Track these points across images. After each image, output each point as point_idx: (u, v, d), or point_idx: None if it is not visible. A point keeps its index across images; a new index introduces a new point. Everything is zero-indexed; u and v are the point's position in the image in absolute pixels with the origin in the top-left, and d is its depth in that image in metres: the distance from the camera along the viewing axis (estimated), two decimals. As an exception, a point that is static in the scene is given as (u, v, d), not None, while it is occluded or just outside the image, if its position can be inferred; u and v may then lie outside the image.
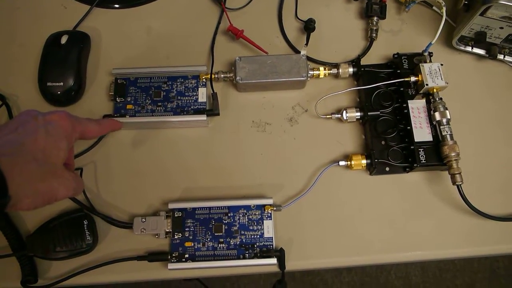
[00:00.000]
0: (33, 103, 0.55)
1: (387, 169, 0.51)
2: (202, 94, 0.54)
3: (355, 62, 0.55)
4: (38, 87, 0.54)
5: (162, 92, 0.54)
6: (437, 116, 0.49)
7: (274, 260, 0.47)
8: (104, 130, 0.47)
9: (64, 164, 0.39)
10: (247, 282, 1.28)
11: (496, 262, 1.33)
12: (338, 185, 0.52)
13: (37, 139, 0.36)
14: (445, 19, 0.53)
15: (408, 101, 0.51)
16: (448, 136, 0.49)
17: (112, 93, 0.54)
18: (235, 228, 0.48)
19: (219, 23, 0.59)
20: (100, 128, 0.46)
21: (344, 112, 0.53)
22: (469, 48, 0.57)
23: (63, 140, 0.38)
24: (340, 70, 0.55)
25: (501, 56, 0.56)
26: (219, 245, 0.48)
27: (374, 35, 0.58)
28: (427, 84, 0.50)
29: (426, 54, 0.53)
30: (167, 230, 0.48)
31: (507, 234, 0.50)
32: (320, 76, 0.55)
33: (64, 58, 0.54)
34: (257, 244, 0.48)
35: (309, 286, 1.28)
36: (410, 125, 0.50)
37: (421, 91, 0.51)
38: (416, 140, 0.49)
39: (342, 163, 0.51)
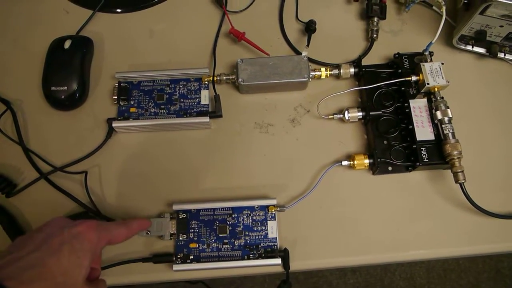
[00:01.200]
0: (37, 108, 0.55)
1: (390, 168, 0.52)
2: (205, 97, 0.54)
3: (356, 63, 0.55)
4: (42, 91, 0.55)
5: (165, 95, 0.54)
6: (439, 114, 0.50)
7: (278, 261, 0.47)
8: (132, 233, 0.45)
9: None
10: (252, 285, 1.27)
11: (501, 262, 1.33)
12: (341, 185, 0.52)
13: (60, 258, 0.36)
14: (445, 18, 0.53)
15: (410, 100, 0.52)
16: (450, 135, 0.49)
17: (116, 97, 0.54)
18: (239, 229, 0.48)
19: (220, 25, 0.60)
20: (128, 232, 0.44)
21: (346, 112, 0.53)
22: (469, 47, 0.57)
23: (87, 256, 0.38)
24: (342, 71, 0.55)
25: (501, 55, 0.56)
26: (224, 246, 0.48)
27: (374, 35, 0.58)
28: (428, 83, 0.50)
29: (426, 53, 0.53)
30: (172, 232, 0.48)
31: (510, 232, 0.50)
32: (322, 77, 0.55)
33: (68, 63, 0.55)
34: (261, 244, 0.48)
35: (313, 288, 1.28)
36: (412, 124, 0.50)
37: (422, 90, 0.51)
38: (418, 139, 0.50)
39: (344, 163, 0.51)
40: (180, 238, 0.48)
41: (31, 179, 0.51)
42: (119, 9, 0.62)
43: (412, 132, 0.50)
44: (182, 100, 0.54)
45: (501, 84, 0.57)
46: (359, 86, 0.55)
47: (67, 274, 0.36)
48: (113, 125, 0.52)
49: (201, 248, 0.48)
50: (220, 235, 0.48)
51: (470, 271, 1.31)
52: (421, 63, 0.51)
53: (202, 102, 0.54)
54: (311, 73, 0.54)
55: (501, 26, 0.52)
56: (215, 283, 1.08)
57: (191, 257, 0.47)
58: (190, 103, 0.54)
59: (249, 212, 0.49)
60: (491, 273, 1.31)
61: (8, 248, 0.37)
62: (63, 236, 0.37)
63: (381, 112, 0.52)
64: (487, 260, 1.33)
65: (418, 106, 0.51)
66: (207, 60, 0.58)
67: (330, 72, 0.55)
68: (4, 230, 0.49)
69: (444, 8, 0.53)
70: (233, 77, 0.54)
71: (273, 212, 0.49)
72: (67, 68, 0.55)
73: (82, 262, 0.37)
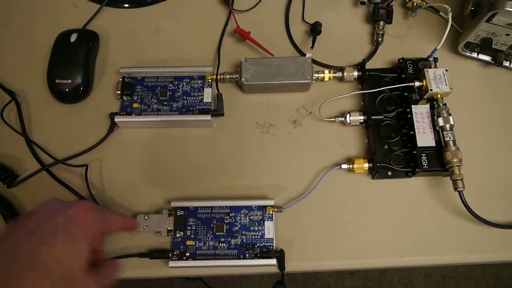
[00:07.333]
0: (41, 100, 0.56)
1: (389, 173, 0.51)
2: (208, 95, 0.54)
3: (360, 66, 0.55)
4: (47, 83, 0.55)
5: (168, 91, 0.54)
6: (441, 121, 0.49)
7: (273, 261, 0.47)
8: (126, 225, 0.45)
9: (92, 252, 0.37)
10: (250, 283, 1.28)
11: (501, 271, 1.32)
12: (340, 188, 0.52)
13: (54, 246, 0.33)
14: (451, 24, 0.53)
15: (412, 106, 0.51)
16: (451, 142, 0.49)
17: (119, 92, 0.54)
18: (236, 228, 0.49)
19: (226, 24, 0.60)
20: (123, 222, 0.44)
21: (348, 115, 0.53)
22: (474, 54, 0.57)
23: (83, 240, 0.35)
24: (345, 74, 0.55)
25: (506, 63, 0.56)
26: (220, 245, 0.48)
27: (380, 39, 0.58)
28: (431, 90, 0.50)
29: (431, 59, 0.53)
30: (169, 228, 0.48)
31: (508, 241, 0.49)
32: (325, 79, 0.55)
33: (73, 56, 0.55)
34: (258, 244, 0.48)
35: (311, 289, 1.28)
36: (414, 130, 0.50)
37: (425, 96, 0.51)
38: (419, 145, 0.50)
39: (344, 166, 0.51)
40: (177, 235, 0.48)
41: (33, 170, 0.52)
42: (127, 4, 0.62)
43: (413, 138, 0.50)
44: (184, 98, 0.54)
45: (505, 93, 0.56)
46: (362, 90, 0.55)
47: (63, 262, 0.33)
48: (116, 120, 0.53)
49: (197, 246, 0.48)
50: (217, 233, 0.48)
51: (469, 279, 1.30)
52: (425, 69, 0.51)
53: (205, 100, 0.54)
54: (315, 75, 0.54)
55: (507, 35, 0.52)
56: (213, 281, 1.08)
57: (187, 254, 0.48)
58: (193, 101, 0.54)
59: (246, 211, 0.49)
60: (490, 281, 1.31)
61: None
62: (57, 220, 0.35)
63: (383, 116, 0.52)
64: (486, 268, 1.32)
65: (420, 112, 0.51)
66: (212, 58, 0.58)
67: (334, 75, 0.55)
68: (4, 221, 0.49)
69: (450, 15, 0.52)
70: (237, 76, 0.54)
71: (271, 213, 0.49)
72: (72, 62, 0.55)
73: (79, 249, 0.35)
